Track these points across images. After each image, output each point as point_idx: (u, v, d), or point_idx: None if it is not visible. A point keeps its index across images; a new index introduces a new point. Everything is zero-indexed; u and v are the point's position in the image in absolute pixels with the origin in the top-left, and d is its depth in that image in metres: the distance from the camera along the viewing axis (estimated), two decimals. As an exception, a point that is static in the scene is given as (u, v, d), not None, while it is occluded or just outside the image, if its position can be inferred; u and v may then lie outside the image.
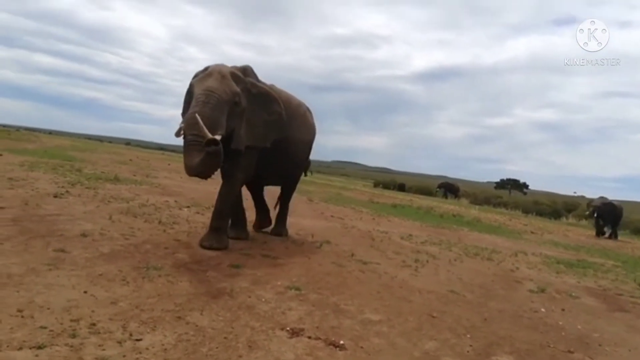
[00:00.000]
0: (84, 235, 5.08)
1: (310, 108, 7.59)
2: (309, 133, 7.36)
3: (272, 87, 6.42)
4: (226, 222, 5.89)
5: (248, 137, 5.73)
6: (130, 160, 20.52)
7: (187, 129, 4.91)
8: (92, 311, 3.13)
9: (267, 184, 7.42)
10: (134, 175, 11.89)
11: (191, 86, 5.45)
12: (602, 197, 19.81)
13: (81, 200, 7.24)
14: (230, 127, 5.31)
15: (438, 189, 38.74)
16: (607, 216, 18.65)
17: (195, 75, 5.69)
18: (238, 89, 5.47)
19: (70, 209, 6.43)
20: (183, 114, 5.68)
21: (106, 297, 3.45)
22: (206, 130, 4.69)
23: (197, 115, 4.78)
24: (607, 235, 18.79)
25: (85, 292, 3.47)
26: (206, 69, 5.61)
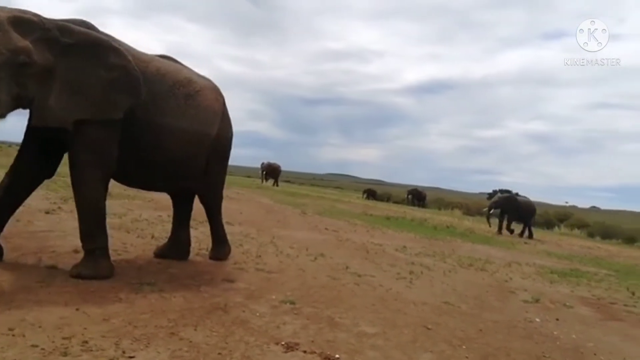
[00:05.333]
0: (76, 251, 5.02)
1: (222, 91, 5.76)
2: (203, 122, 5.22)
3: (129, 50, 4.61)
4: (100, 240, 4.45)
5: (77, 106, 4.10)
6: (123, 175, 20.41)
7: None
8: (85, 328, 3.10)
9: (153, 189, 5.97)
10: (126, 190, 11.82)
11: None
12: (505, 191, 19.46)
13: (73, 216, 7.11)
14: (26, 98, 3.86)
15: (407, 196, 41.04)
16: (509, 211, 17.70)
17: None
18: (25, 43, 3.75)
19: (62, 225, 6.38)
20: None
21: (98, 314, 3.41)
22: None
23: None
24: (520, 232, 17.78)
25: (77, 309, 3.44)
26: None
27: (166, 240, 5.81)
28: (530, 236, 17.61)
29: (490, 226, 18.30)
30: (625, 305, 6.82)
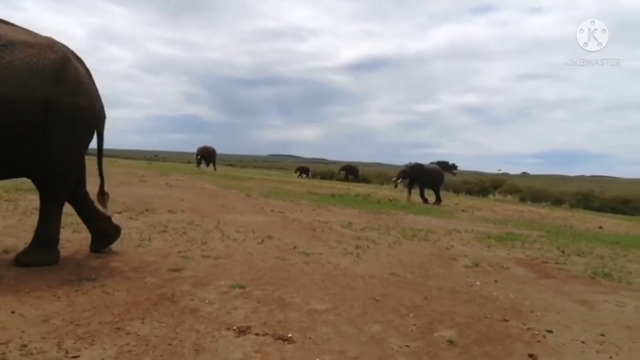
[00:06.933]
0: (6, 251, 4.76)
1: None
2: (7, 82, 4.07)
3: None
4: None
5: None
6: (53, 168, 19.29)
7: None
8: (22, 332, 2.94)
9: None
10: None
11: None
12: (442, 162, 20.51)
13: (0, 215, 6.74)
14: None
15: (341, 171, 42.17)
16: (418, 179, 18.71)
17: None
18: None
19: (-12, 225, 5.98)
20: None
21: (36, 315, 3.25)
22: None
23: None
24: (434, 200, 18.56)
25: (12, 312, 3.25)
26: None
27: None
28: (439, 200, 18.61)
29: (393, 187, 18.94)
30: (556, 263, 7.33)
